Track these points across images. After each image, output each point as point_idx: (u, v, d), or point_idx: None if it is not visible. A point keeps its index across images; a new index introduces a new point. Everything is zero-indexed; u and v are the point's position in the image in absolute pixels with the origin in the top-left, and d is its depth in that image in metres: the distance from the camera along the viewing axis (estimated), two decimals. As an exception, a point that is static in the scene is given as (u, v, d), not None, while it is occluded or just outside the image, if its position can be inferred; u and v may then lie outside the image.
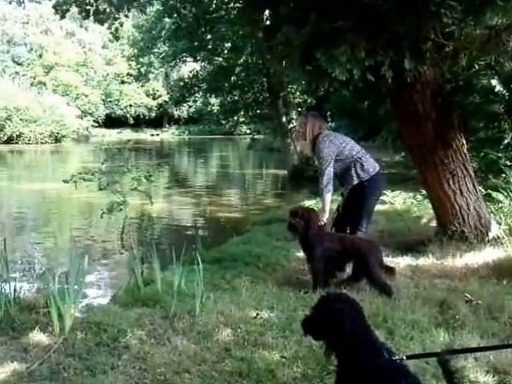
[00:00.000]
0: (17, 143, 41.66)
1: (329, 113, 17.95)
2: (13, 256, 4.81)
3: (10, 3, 65.00)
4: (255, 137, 29.49)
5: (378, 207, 9.53)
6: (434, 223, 7.09)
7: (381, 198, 9.88)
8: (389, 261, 5.91)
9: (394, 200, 9.79)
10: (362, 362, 2.36)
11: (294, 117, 19.39)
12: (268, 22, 6.78)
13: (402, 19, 4.85)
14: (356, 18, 5.00)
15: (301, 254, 6.33)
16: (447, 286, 5.03)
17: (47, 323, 4.16)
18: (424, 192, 8.00)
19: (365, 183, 5.55)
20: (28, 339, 3.93)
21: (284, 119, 19.03)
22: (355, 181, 5.56)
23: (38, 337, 3.97)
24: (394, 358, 2.36)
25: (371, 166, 5.61)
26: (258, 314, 4.40)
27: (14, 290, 4.49)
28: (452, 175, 6.23)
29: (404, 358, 2.39)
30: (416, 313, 4.34)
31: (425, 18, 4.76)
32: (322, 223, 5.33)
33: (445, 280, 5.25)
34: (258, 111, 21.22)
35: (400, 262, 5.90)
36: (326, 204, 5.44)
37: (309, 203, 10.70)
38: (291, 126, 19.03)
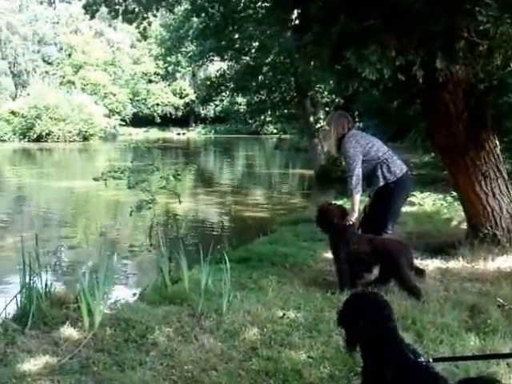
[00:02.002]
0: (46, 141, 42.28)
1: (357, 113, 17.84)
2: (43, 252, 4.88)
3: (42, 3, 66.12)
4: (282, 136, 29.46)
5: (407, 209, 9.46)
6: (464, 225, 6.99)
7: (409, 199, 9.85)
8: (417, 263, 5.83)
9: (424, 201, 9.68)
10: (386, 364, 2.34)
11: (322, 116, 19.29)
12: (297, 22, 6.74)
13: (434, 18, 4.79)
14: (386, 17, 4.96)
15: (328, 254, 6.31)
16: (478, 290, 4.95)
17: (77, 318, 4.22)
18: (454, 194, 7.89)
19: (391, 185, 5.46)
20: (59, 333, 4.00)
21: (311, 119, 18.95)
22: (381, 182, 5.48)
23: (68, 331, 4.03)
24: (419, 360, 2.32)
25: (398, 167, 5.52)
26: (284, 314, 4.40)
27: (46, 285, 4.55)
28: (484, 177, 6.13)
29: (431, 360, 2.36)
30: (446, 316, 4.28)
31: (458, 17, 4.69)
32: (351, 223, 5.29)
33: (476, 284, 5.17)
34: (285, 111, 21.16)
35: (429, 265, 5.82)
36: (356, 204, 5.37)
37: (336, 203, 10.64)
38: (319, 125, 18.95)
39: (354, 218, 5.33)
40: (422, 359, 2.33)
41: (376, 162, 5.47)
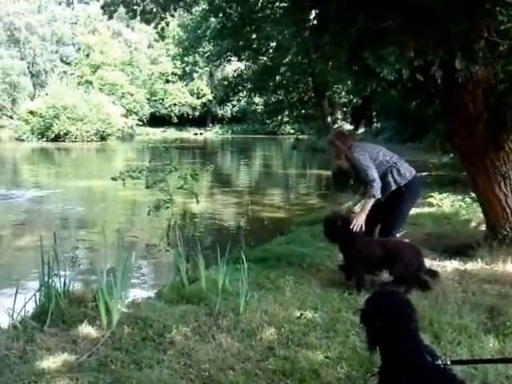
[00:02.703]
0: (63, 141, 42.55)
1: (374, 113, 17.78)
2: (61, 250, 4.94)
3: (60, 4, 66.53)
4: (299, 137, 29.43)
5: (425, 210, 9.41)
6: (483, 227, 6.91)
7: (427, 200, 9.78)
8: (435, 264, 5.82)
9: (442, 202, 9.60)
10: (402, 364, 2.32)
11: (339, 117, 19.29)
12: (315, 22, 6.74)
13: (453, 18, 4.76)
14: (405, 17, 4.94)
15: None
16: (497, 292, 4.91)
17: (95, 317, 4.26)
18: (473, 195, 7.82)
19: (402, 188, 5.45)
20: (77, 331, 4.04)
21: (329, 119, 18.92)
22: (393, 186, 5.46)
23: (86, 329, 4.06)
24: (437, 362, 2.30)
25: (407, 170, 5.51)
26: (301, 314, 4.40)
27: (64, 283, 4.60)
28: (503, 178, 6.06)
29: (448, 362, 2.33)
30: (464, 318, 4.25)
31: (478, 16, 4.65)
32: (359, 229, 5.26)
33: (495, 285, 5.12)
34: (303, 111, 21.12)
35: (447, 266, 5.78)
36: (367, 208, 5.35)
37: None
38: (336, 125, 18.92)
39: (361, 220, 5.29)
40: (440, 361, 2.30)
41: (385, 166, 5.46)
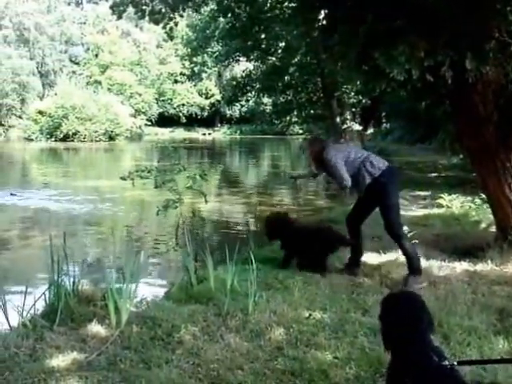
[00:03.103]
0: (72, 141, 42.65)
1: (384, 114, 17.73)
2: (70, 250, 4.96)
3: (69, 4, 66.71)
4: (308, 137, 29.38)
5: (434, 211, 9.37)
6: (493, 228, 6.87)
7: (436, 201, 9.73)
8: (445, 265, 5.79)
9: (451, 204, 9.55)
10: (409, 364, 2.35)
11: (348, 117, 19.25)
12: (324, 22, 6.73)
13: (464, 18, 4.74)
14: (415, 17, 4.93)
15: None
16: (507, 294, 4.89)
17: (104, 316, 4.28)
18: (483, 196, 7.77)
19: (381, 179, 5.39)
20: (86, 330, 4.06)
21: (338, 119, 18.91)
22: (368, 179, 5.41)
23: (95, 328, 4.09)
24: (444, 362, 2.31)
25: (380, 162, 5.52)
26: (310, 315, 4.40)
27: (73, 282, 4.63)
28: (514, 179, 6.03)
29: (455, 363, 2.34)
30: (473, 319, 4.24)
31: (489, 17, 4.63)
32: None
33: (505, 287, 5.10)
34: (312, 111, 21.10)
35: (457, 267, 5.76)
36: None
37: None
38: (345, 126, 18.90)
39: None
40: (447, 362, 2.32)
41: (358, 162, 5.48)
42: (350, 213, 5.91)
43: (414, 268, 5.35)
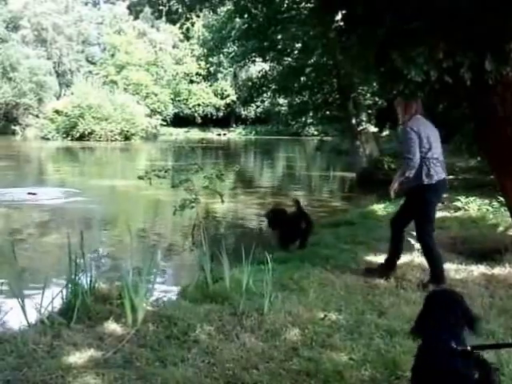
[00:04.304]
0: (88, 140, 42.91)
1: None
2: (87, 248, 5.00)
3: (86, 5, 67.45)
4: (323, 138, 29.32)
5: (451, 213, 9.30)
6: (511, 232, 6.82)
7: (453, 203, 9.67)
8: (462, 268, 5.75)
9: (469, 206, 9.47)
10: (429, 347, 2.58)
11: (364, 119, 19.12)
12: (341, 23, 6.70)
13: (483, 18, 4.70)
14: (434, 17, 4.89)
15: (369, 257, 6.29)
16: (525, 298, 4.84)
17: (120, 314, 4.30)
18: (501, 199, 7.69)
19: (424, 187, 5.33)
20: (103, 328, 4.09)
21: (353, 121, 18.78)
22: (414, 182, 5.36)
23: (112, 326, 4.12)
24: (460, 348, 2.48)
25: (436, 174, 5.37)
26: (325, 316, 4.39)
27: (90, 280, 4.66)
28: (532, 182, 5.96)
29: (468, 348, 2.49)
30: (491, 323, 4.21)
31: (509, 17, 4.58)
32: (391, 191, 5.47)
33: (523, 291, 5.05)
34: (327, 112, 20.99)
35: (474, 270, 5.71)
36: (396, 179, 5.43)
37: (378, 207, 10.55)
38: (361, 127, 18.78)
39: (392, 188, 5.43)
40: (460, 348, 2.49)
41: (429, 154, 5.36)
42: (396, 216, 5.81)
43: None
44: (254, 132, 63.50)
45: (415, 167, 5.30)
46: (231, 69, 44.15)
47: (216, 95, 65.13)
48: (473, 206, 9.50)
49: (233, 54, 24.52)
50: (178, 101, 63.96)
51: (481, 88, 5.51)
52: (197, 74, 62.98)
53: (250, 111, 61.39)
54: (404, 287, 5.22)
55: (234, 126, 67.64)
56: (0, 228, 10.61)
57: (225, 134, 62.49)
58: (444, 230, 7.81)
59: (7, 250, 5.51)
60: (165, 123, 58.78)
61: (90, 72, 59.91)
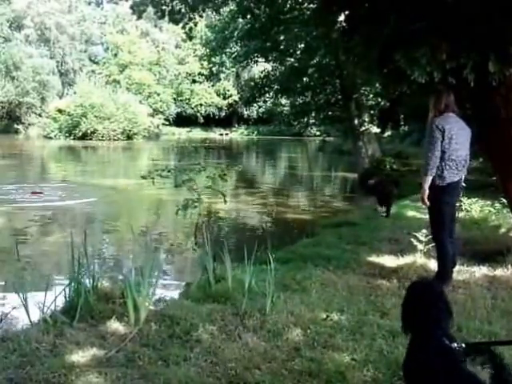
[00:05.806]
0: (90, 139, 42.92)
1: (402, 116, 17.60)
2: (89, 247, 5.01)
3: (90, 4, 67.62)
4: (325, 139, 29.36)
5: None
6: (513, 233, 6.82)
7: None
8: (464, 270, 5.75)
9: (471, 207, 9.44)
10: (421, 343, 2.52)
11: (366, 119, 19.13)
12: (344, 23, 6.70)
13: (487, 19, 4.69)
14: (437, 19, 4.89)
15: (372, 258, 6.29)
16: (528, 299, 4.84)
17: (123, 313, 4.31)
18: (504, 200, 7.69)
19: (437, 187, 5.32)
20: (105, 327, 4.10)
21: (356, 121, 18.80)
22: (438, 181, 5.34)
23: (114, 325, 4.12)
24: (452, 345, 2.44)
25: (450, 175, 5.36)
26: (327, 316, 4.40)
27: (93, 279, 4.67)
28: (535, 184, 5.96)
29: (463, 345, 2.47)
30: (493, 324, 4.21)
31: (513, 19, 4.59)
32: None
33: (525, 292, 5.04)
34: (330, 113, 21.02)
35: (476, 272, 5.71)
36: (424, 184, 5.33)
37: (380, 208, 10.54)
38: (363, 128, 18.78)
39: (422, 195, 5.35)
40: (456, 344, 2.46)
41: (453, 154, 5.35)
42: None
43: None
44: (256, 132, 63.49)
45: (435, 166, 5.26)
46: (234, 69, 44.20)
47: (218, 95, 65.14)
48: (475, 207, 9.47)
49: (235, 54, 24.56)
50: (181, 100, 64.00)
51: (484, 89, 5.52)
52: (199, 73, 63.03)
53: (253, 111, 61.36)
54: (406, 288, 5.20)
55: (237, 125, 67.62)
56: (3, 227, 10.62)
57: (227, 134, 62.51)
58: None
59: (11, 249, 5.53)
60: (167, 123, 58.87)
61: (93, 71, 59.94)
